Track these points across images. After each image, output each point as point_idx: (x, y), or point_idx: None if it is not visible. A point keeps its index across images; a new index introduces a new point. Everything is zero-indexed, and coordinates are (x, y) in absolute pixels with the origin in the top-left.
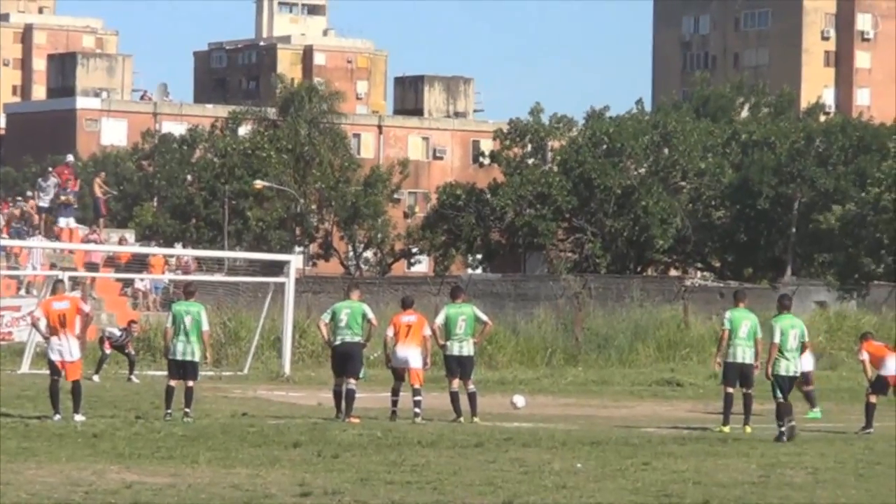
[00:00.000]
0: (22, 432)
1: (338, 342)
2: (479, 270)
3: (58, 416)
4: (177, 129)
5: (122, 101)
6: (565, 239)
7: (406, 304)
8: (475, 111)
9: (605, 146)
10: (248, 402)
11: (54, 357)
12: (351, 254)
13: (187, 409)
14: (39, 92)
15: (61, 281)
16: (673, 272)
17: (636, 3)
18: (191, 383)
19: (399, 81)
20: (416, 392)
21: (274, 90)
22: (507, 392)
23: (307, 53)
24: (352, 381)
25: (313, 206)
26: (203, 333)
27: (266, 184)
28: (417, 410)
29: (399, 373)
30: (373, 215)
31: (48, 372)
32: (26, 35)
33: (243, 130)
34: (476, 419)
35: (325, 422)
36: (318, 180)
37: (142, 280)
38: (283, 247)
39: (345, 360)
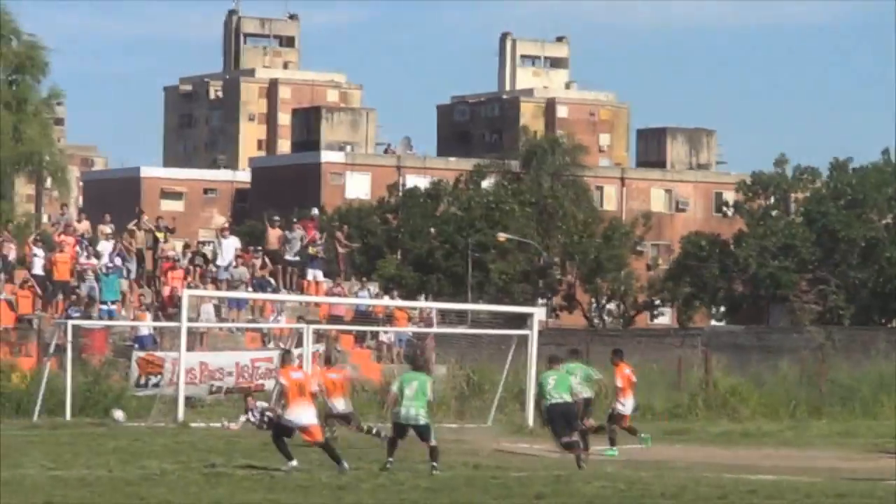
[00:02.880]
0: (267, 485)
1: (556, 400)
2: (721, 322)
3: (293, 462)
4: (420, 182)
5: (366, 155)
6: (809, 290)
7: (329, 362)
8: (717, 163)
9: (848, 197)
10: (491, 455)
11: (295, 424)
12: (594, 306)
13: (434, 463)
14: (284, 146)
15: (289, 352)
16: None
17: (883, 52)
18: (433, 443)
19: (641, 134)
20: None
21: (517, 143)
22: (752, 445)
23: (550, 106)
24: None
25: (556, 259)
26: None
27: (509, 236)
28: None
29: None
30: (615, 268)
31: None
32: (271, 90)
33: (486, 183)
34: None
35: (569, 474)
36: (561, 233)
37: (385, 332)
38: (525, 299)
39: (565, 418)
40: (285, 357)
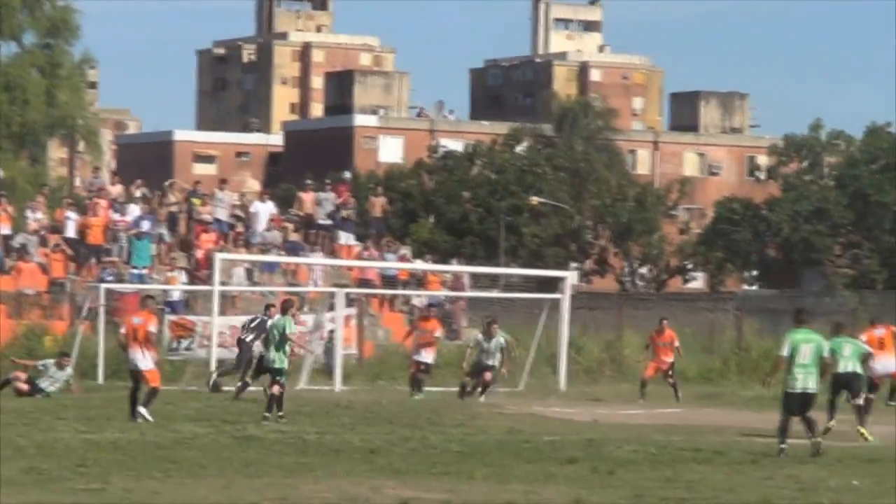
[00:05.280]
0: (299, 448)
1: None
2: (754, 286)
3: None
4: (453, 145)
5: (399, 119)
6: (842, 255)
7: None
8: (751, 126)
9: (881, 161)
10: (523, 419)
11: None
12: (626, 270)
13: (280, 413)
14: (317, 110)
15: (150, 296)
16: None
17: None
18: (276, 389)
19: (675, 97)
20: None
21: (549, 107)
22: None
23: (583, 70)
24: None
25: (588, 223)
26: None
27: (542, 200)
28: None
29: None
30: (647, 232)
31: (318, 388)
32: (304, 53)
33: (520, 147)
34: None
35: (601, 438)
36: (594, 197)
37: (418, 296)
38: (558, 263)
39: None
40: (144, 301)
